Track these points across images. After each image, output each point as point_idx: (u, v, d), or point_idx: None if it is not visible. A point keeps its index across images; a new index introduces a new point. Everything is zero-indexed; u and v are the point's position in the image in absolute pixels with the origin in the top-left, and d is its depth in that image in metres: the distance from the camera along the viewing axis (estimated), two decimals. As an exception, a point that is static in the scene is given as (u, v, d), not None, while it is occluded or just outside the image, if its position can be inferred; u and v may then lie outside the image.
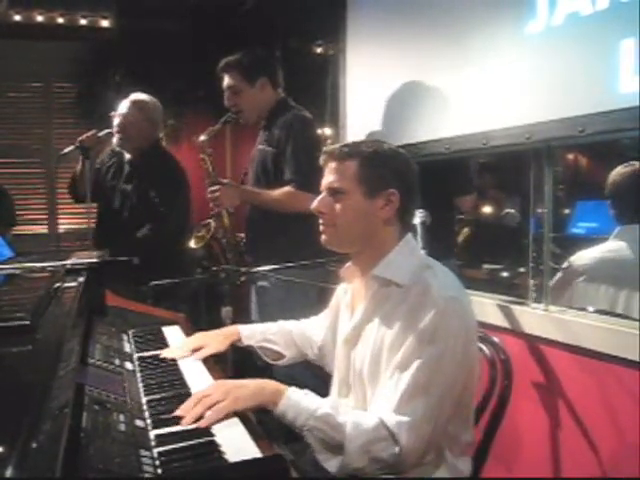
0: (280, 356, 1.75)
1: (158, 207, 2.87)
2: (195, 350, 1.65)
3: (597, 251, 2.25)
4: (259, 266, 2.21)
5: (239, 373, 1.70)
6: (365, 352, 1.39)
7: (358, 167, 1.38)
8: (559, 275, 2.23)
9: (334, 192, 1.40)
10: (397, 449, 1.21)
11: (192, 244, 2.75)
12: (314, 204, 1.44)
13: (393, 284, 1.37)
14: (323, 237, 1.45)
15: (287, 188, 2.55)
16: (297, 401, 1.24)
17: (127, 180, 3.01)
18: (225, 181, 2.69)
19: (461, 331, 1.30)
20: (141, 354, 1.63)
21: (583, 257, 2.26)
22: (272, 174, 2.63)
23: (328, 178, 1.42)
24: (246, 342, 1.73)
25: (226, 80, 2.71)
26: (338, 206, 1.40)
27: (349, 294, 1.56)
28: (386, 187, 1.38)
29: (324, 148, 1.49)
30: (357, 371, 1.41)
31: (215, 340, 1.70)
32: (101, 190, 3.04)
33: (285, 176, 2.57)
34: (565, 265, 2.26)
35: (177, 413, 1.19)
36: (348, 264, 1.53)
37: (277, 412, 1.24)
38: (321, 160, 1.46)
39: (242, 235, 2.78)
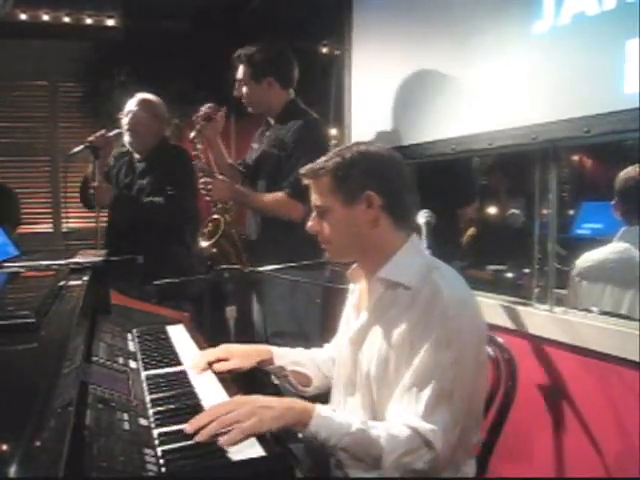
0: (309, 381, 1.66)
1: (173, 198, 2.91)
2: (217, 362, 1.53)
3: (601, 252, 2.24)
4: (261, 265, 2.20)
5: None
6: (372, 354, 1.38)
7: (330, 181, 1.39)
8: (571, 281, 2.23)
9: (319, 210, 1.43)
10: (433, 455, 1.20)
11: (202, 242, 2.63)
12: (308, 225, 1.47)
13: (400, 286, 1.36)
14: (326, 253, 1.50)
15: (279, 194, 2.54)
16: (329, 420, 1.19)
17: (141, 176, 3.04)
18: (218, 176, 2.67)
19: (474, 332, 1.31)
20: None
21: (588, 259, 2.25)
22: (277, 178, 2.60)
23: (312, 197, 1.45)
24: (277, 362, 1.63)
25: (238, 71, 2.72)
26: (326, 224, 1.42)
27: (356, 294, 1.56)
28: (362, 190, 1.37)
29: (300, 170, 1.47)
30: (364, 372, 1.40)
31: (241, 354, 1.59)
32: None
33: (284, 182, 2.55)
34: (573, 269, 2.26)
35: (187, 429, 1.09)
36: (355, 265, 1.53)
37: (307, 433, 1.17)
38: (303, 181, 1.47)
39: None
